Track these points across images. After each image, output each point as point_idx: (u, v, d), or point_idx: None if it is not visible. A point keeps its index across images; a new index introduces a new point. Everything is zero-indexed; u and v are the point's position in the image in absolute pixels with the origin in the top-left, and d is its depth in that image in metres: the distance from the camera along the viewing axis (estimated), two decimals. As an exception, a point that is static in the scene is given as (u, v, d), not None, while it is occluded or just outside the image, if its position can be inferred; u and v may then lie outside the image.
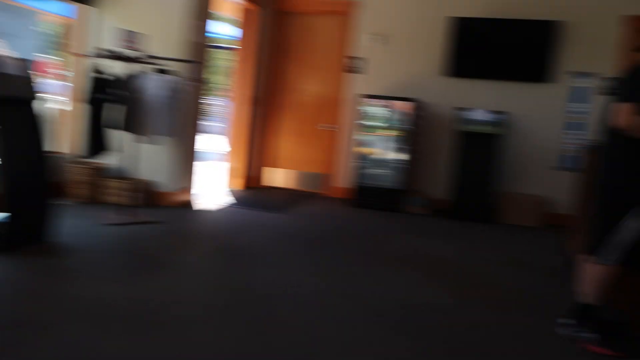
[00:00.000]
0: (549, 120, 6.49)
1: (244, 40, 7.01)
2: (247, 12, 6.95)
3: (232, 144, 7.15)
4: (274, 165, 7.45)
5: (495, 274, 4.34)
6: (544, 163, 6.53)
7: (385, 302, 3.46)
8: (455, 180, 6.34)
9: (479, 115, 6.28)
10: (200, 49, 5.69)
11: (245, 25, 6.99)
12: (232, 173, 7.12)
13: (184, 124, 5.49)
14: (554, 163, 6.51)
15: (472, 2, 6.57)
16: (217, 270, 3.91)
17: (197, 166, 6.00)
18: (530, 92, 6.50)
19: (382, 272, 4.09)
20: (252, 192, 6.97)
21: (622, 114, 2.78)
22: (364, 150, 6.53)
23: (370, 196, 6.50)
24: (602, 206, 3.07)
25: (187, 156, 5.74)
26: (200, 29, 5.65)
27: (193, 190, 5.90)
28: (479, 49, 6.55)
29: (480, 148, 6.28)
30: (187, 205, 5.73)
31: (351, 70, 6.94)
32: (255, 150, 7.31)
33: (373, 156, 6.51)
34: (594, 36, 6.32)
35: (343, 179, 7.01)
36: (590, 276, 3.07)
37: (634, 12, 6.18)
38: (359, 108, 6.61)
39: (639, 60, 3.01)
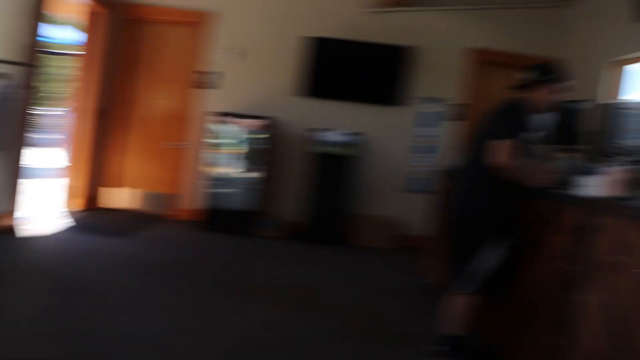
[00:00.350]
0: (400, 143, 6.58)
1: (89, 45, 6.26)
2: (93, 15, 6.22)
3: (72, 159, 6.34)
4: (119, 185, 6.74)
5: (355, 302, 4.17)
6: (395, 185, 6.59)
7: (241, 340, 3.11)
8: (310, 202, 6.15)
9: (333, 136, 6.16)
10: (31, 51, 4.94)
11: (90, 29, 6.25)
12: (71, 192, 6.29)
13: (8, 135, 4.72)
14: (403, 185, 6.58)
15: (330, 22, 6.48)
16: (42, 313, 3.24)
17: (24, 184, 5.20)
18: (383, 115, 6.54)
19: (235, 306, 3.72)
20: (92, 213, 6.21)
21: (499, 153, 2.73)
22: (215, 169, 6.12)
23: (222, 219, 6.09)
24: (462, 235, 2.99)
25: (10, 173, 4.93)
26: (32, 29, 4.90)
27: (17, 213, 5.09)
28: (335, 70, 6.47)
29: (334, 169, 6.16)
30: (10, 231, 4.91)
31: (202, 85, 6.51)
32: (98, 167, 6.58)
33: (224, 176, 6.13)
34: (441, 64, 6.53)
35: (193, 200, 6.53)
36: (453, 306, 2.99)
37: (474, 44, 6.51)
38: (209, 125, 6.19)
39: (514, 97, 2.95)
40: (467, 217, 2.97)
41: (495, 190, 2.86)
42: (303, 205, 6.25)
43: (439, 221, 4.84)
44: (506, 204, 2.86)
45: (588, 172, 3.01)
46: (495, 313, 3.20)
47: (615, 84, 5.52)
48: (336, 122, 6.46)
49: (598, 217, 2.27)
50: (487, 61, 6.56)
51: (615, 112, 2.60)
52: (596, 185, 2.42)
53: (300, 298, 4.07)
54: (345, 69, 6.48)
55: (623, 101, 2.59)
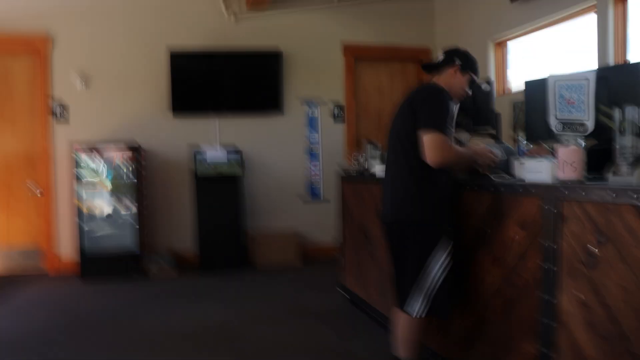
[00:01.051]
0: (292, 150, 6.16)
1: None
2: None
3: None
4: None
5: (281, 332, 3.66)
6: (292, 196, 6.16)
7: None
8: (199, 230, 5.56)
9: (215, 155, 5.62)
10: None
11: None
12: None
13: None
14: (301, 195, 6.17)
15: (190, 33, 5.89)
16: None
17: None
18: (266, 125, 6.10)
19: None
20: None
21: (442, 146, 2.38)
22: (85, 210, 5.32)
23: (103, 265, 5.31)
24: (399, 248, 2.59)
25: None
26: None
27: None
28: (205, 83, 5.90)
29: (220, 190, 5.63)
30: None
31: (55, 117, 5.65)
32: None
33: (96, 216, 5.35)
34: (316, 64, 6.19)
35: (66, 249, 5.65)
36: (403, 330, 2.59)
37: (346, 40, 6.26)
38: (73, 162, 5.35)
39: (431, 82, 2.61)
40: (401, 227, 2.57)
41: (432, 191, 2.49)
42: (193, 234, 5.63)
43: (345, 229, 4.47)
44: (446, 204, 2.52)
45: (523, 155, 2.77)
46: (449, 328, 2.86)
47: (502, 61, 5.56)
48: (217, 138, 5.93)
49: (559, 204, 1.98)
50: (360, 57, 6.34)
51: (552, 85, 2.35)
52: (547, 169, 2.14)
53: (217, 340, 3.50)
54: (216, 80, 5.91)
55: (557, 73, 2.32)
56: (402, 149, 2.54)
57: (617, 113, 1.85)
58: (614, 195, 1.75)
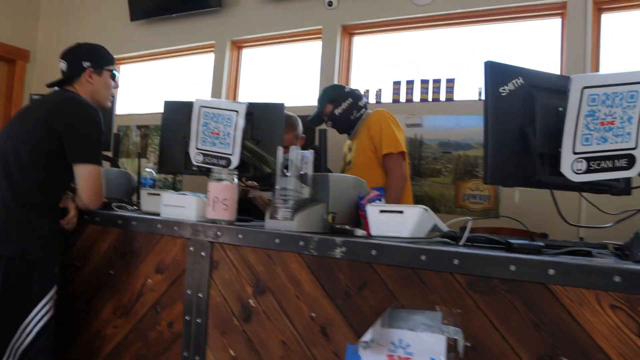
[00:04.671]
0: None
1: None
2: None
3: None
4: None
5: None
6: None
7: None
8: None
9: None
10: None
11: None
12: None
13: None
14: None
15: None
16: None
17: None
18: None
19: None
20: None
21: (96, 186, 1.93)
22: None
23: None
24: None
25: None
26: None
27: None
28: None
29: None
30: None
31: None
32: None
33: None
34: None
35: None
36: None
37: None
38: None
39: (70, 92, 2.04)
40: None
41: (42, 222, 1.88)
42: None
43: None
44: (56, 239, 1.92)
45: (149, 185, 2.39)
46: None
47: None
48: None
49: (208, 247, 1.67)
50: None
51: (197, 110, 2.03)
52: (192, 204, 1.80)
53: None
54: None
55: (204, 98, 2.03)
56: (16, 167, 1.88)
57: (279, 152, 1.65)
58: (278, 241, 1.53)
